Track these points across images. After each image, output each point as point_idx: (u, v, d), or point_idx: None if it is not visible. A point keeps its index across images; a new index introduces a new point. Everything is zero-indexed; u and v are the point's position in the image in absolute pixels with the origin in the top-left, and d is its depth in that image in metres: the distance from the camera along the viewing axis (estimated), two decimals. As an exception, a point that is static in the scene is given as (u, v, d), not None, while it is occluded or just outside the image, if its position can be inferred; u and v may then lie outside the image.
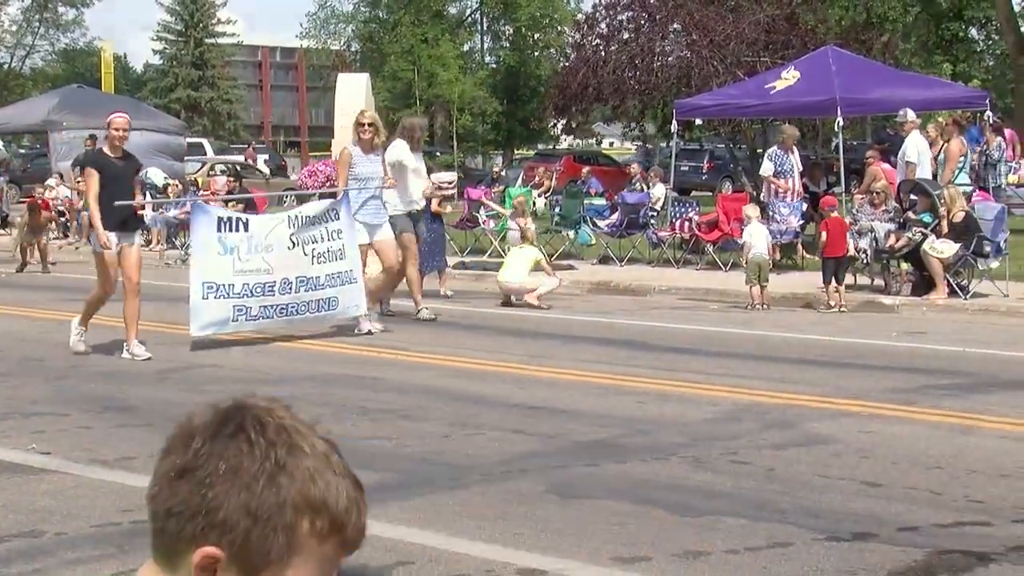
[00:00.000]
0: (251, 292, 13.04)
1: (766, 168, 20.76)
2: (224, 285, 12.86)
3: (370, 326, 14.13)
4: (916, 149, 18.84)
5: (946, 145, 19.80)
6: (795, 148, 21.21)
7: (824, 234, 16.66)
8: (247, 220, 13.50)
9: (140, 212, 13.66)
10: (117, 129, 12.61)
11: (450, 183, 16.64)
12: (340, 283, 13.73)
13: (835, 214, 17.06)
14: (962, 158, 20.13)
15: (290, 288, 13.35)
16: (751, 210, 17.99)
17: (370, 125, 14.58)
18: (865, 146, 30.05)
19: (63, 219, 27.67)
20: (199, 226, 13.27)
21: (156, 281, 20.52)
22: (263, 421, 1.73)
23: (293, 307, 13.46)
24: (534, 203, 18.54)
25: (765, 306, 16.63)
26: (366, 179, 14.44)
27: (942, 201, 16.61)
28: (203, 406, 1.75)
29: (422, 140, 15.74)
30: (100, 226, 12.26)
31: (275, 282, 13.22)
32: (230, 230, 13.05)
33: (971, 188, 19.81)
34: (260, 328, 13.43)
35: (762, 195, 22.02)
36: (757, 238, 17.02)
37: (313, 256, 13.55)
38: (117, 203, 12.27)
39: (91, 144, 28.71)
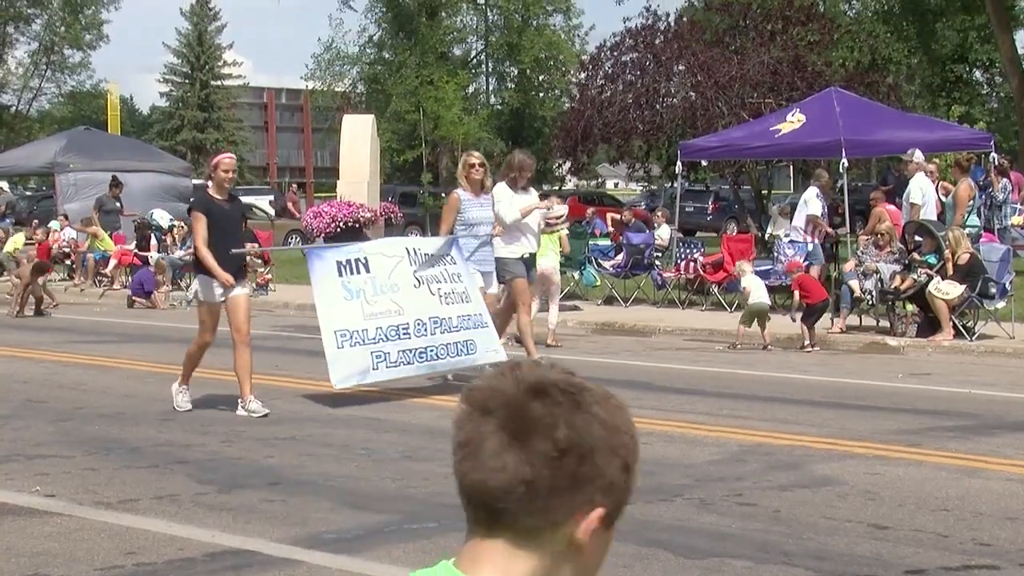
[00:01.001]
0: (386, 336, 12.10)
1: (815, 208, 20.60)
2: (358, 331, 11.92)
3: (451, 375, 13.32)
4: (920, 190, 18.85)
5: (954, 188, 19.83)
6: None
7: (797, 294, 16.86)
8: (366, 259, 12.33)
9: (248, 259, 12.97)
10: (226, 171, 11.87)
11: (559, 218, 15.92)
12: (473, 326, 12.83)
13: (798, 273, 17.43)
14: (971, 201, 20.16)
15: (425, 330, 12.39)
16: (745, 265, 17.99)
17: (480, 165, 13.64)
18: (870, 187, 30.08)
19: (69, 261, 27.68)
20: (318, 273, 12.20)
21: (162, 323, 20.55)
22: (579, 386, 1.86)
23: (432, 351, 12.48)
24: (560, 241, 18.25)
25: (768, 348, 16.67)
26: (475, 225, 13.44)
27: (947, 243, 16.61)
28: (491, 393, 1.80)
29: (530, 177, 14.74)
30: (218, 269, 11.38)
31: (408, 324, 12.27)
32: (351, 272, 12.12)
33: (978, 229, 19.83)
34: (402, 376, 12.45)
35: (767, 234, 22.03)
36: (756, 287, 17.11)
37: (441, 296, 12.64)
38: (233, 251, 11.59)
39: (116, 188, 28.89)
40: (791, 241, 20.84)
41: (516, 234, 14.17)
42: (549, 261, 17.33)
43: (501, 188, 14.25)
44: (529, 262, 14.41)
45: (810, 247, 20.31)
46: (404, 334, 12.21)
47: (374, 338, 11.99)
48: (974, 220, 20.01)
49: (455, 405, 1.83)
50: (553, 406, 1.77)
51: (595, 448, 1.77)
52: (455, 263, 12.91)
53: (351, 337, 11.89)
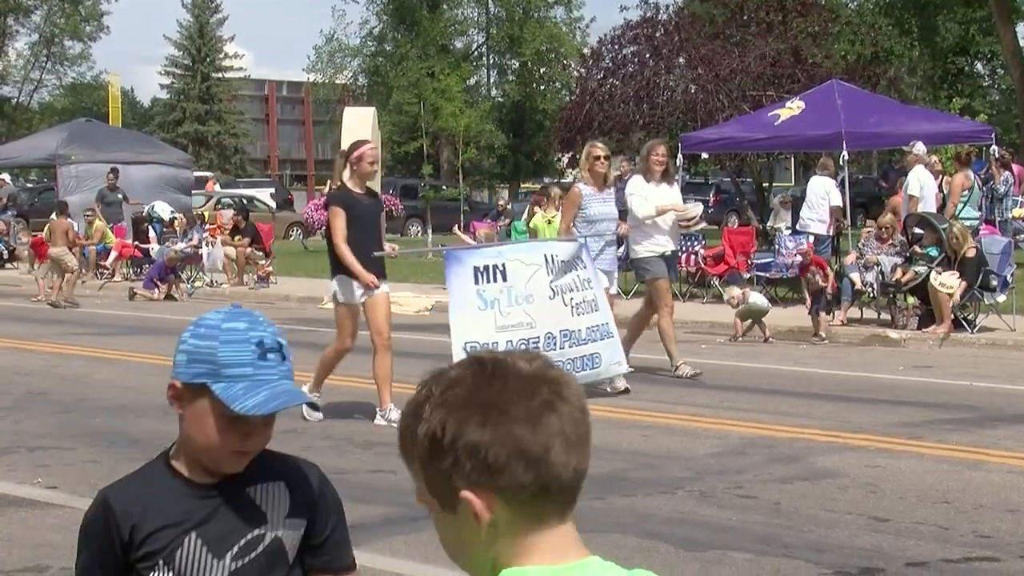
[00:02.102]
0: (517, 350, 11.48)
1: (838, 199, 20.54)
2: (489, 344, 11.10)
3: (625, 383, 12.58)
4: (918, 183, 18.85)
5: (950, 178, 19.83)
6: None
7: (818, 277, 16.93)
8: (503, 267, 11.56)
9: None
10: (372, 162, 10.99)
11: (692, 219, 15.05)
12: (599, 337, 12.09)
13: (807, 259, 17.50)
14: (967, 192, 20.14)
15: (554, 344, 11.63)
16: (734, 291, 17.88)
17: (606, 158, 12.75)
18: (871, 180, 30.12)
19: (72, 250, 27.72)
20: (455, 278, 11.55)
21: (163, 315, 20.57)
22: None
23: (563, 367, 11.89)
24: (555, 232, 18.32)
25: (768, 340, 16.71)
26: (597, 221, 12.56)
27: (953, 239, 16.53)
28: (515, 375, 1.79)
29: (668, 165, 13.63)
30: (361, 269, 10.61)
31: (539, 337, 11.53)
32: (488, 280, 11.42)
33: (978, 222, 19.82)
34: None
35: (767, 226, 22.01)
36: (754, 295, 17.22)
37: (572, 307, 11.89)
38: (375, 254, 10.93)
39: (112, 178, 28.89)
40: (793, 234, 20.83)
41: (653, 231, 13.23)
42: None
43: (636, 180, 13.46)
44: (670, 260, 13.59)
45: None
46: (533, 348, 11.11)
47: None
48: (971, 212, 19.99)
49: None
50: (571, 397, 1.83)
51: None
52: (585, 267, 12.19)
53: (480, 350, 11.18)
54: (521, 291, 11.55)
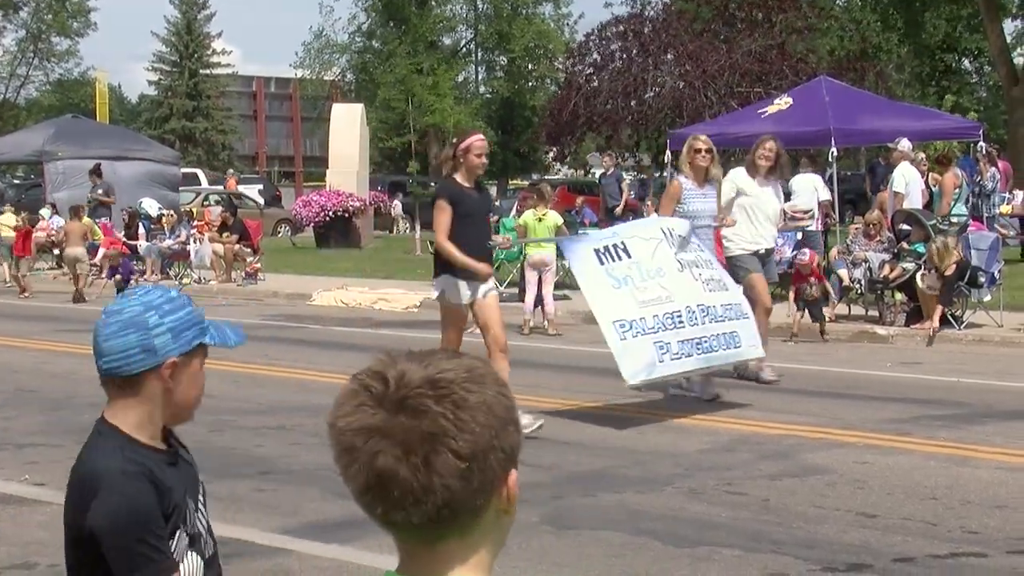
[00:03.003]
0: (663, 325, 10.76)
1: (826, 194, 20.57)
2: (636, 320, 10.62)
3: (774, 375, 12.18)
4: (904, 179, 18.87)
5: (937, 177, 19.86)
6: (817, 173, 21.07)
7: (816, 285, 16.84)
8: (624, 244, 11.01)
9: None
10: (479, 154, 10.18)
11: (806, 212, 14.31)
12: (735, 316, 11.43)
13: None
14: (957, 189, 20.18)
15: (696, 319, 11.00)
16: None
17: (708, 151, 12.00)
18: (859, 176, 30.14)
19: (56, 251, 27.61)
20: (578, 264, 11.14)
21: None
22: (442, 380, 1.77)
23: (707, 342, 11.07)
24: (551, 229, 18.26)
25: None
26: (696, 218, 11.84)
27: (934, 255, 16.40)
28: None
29: (773, 160, 12.95)
30: (470, 260, 9.93)
31: (680, 311, 10.91)
32: (612, 259, 10.86)
33: (965, 218, 19.84)
34: (685, 370, 11.12)
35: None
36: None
37: (703, 283, 11.27)
38: (489, 243, 10.52)
39: (96, 175, 28.81)
40: (781, 231, 20.82)
41: (745, 227, 12.63)
42: (547, 249, 17.46)
43: (738, 173, 13.02)
44: (764, 257, 12.94)
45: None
46: (679, 323, 10.88)
47: (653, 327, 10.70)
48: (961, 209, 20.03)
49: (335, 446, 1.77)
50: (436, 418, 1.71)
51: (493, 436, 1.75)
52: (702, 248, 11.61)
53: (631, 327, 10.60)
54: (650, 265, 10.94)
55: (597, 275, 10.78)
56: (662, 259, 11.02)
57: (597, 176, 30.56)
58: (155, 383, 2.88)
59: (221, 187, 45.35)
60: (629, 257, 10.89)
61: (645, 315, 10.64)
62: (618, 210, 27.13)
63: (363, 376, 1.79)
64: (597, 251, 10.88)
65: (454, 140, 10.57)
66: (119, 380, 2.89)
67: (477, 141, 10.19)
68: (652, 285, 10.82)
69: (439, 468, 1.70)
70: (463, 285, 10.03)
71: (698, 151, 11.95)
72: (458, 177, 10.19)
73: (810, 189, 20.64)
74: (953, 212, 19.50)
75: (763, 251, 12.81)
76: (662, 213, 12.09)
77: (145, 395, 2.89)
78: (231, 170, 54.73)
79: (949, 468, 9.04)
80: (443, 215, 10.03)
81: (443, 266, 10.16)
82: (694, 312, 10.95)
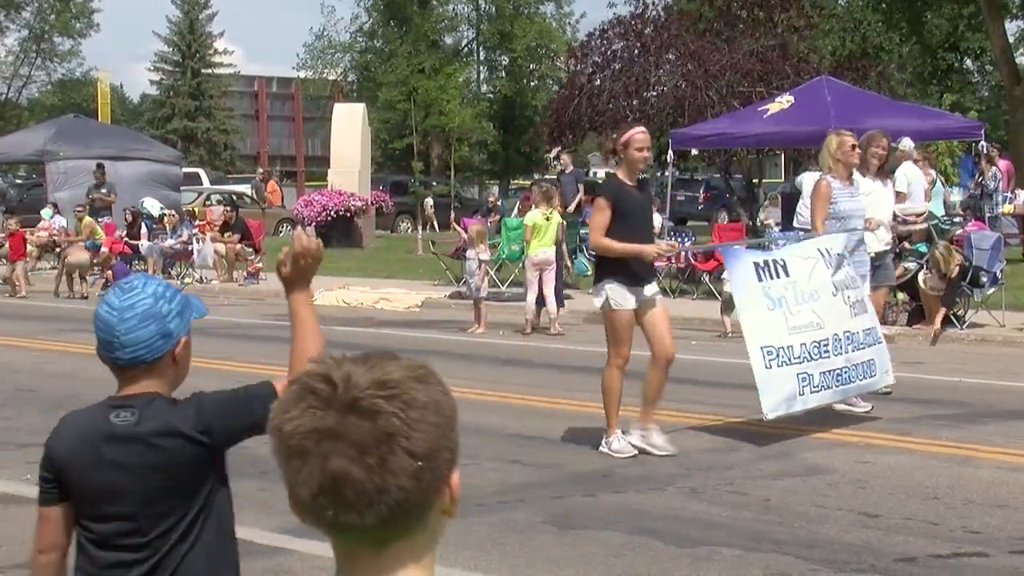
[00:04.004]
0: (809, 355, 10.24)
1: None
2: (784, 348, 10.10)
3: (867, 405, 11.32)
4: (906, 179, 18.86)
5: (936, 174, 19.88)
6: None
7: None
8: (783, 261, 10.49)
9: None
10: (640, 148, 9.51)
11: (920, 215, 13.53)
12: (873, 341, 10.94)
13: None
14: (930, 185, 20.04)
15: (840, 347, 10.52)
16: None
17: (855, 147, 11.37)
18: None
19: (58, 250, 27.59)
20: (738, 276, 10.54)
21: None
22: (392, 382, 1.77)
23: (846, 373, 10.55)
24: (554, 230, 18.16)
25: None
26: (848, 218, 11.22)
27: (940, 261, 16.35)
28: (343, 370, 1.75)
29: (885, 158, 12.41)
30: (632, 245, 9.38)
31: (828, 340, 10.41)
32: (771, 276, 10.29)
33: (959, 219, 19.82)
34: (821, 404, 10.50)
35: (757, 222, 22.00)
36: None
37: (850, 306, 10.75)
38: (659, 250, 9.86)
39: (100, 174, 28.81)
40: (783, 230, 20.79)
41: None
42: (551, 249, 17.47)
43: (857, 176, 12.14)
44: (877, 261, 12.17)
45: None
46: (824, 352, 10.37)
47: (799, 357, 10.17)
48: (937, 208, 19.86)
49: (272, 449, 1.77)
50: (388, 417, 1.72)
51: (443, 434, 1.77)
52: (851, 262, 11.04)
53: (777, 355, 10.06)
54: (806, 287, 10.44)
55: (754, 292, 10.27)
56: (818, 281, 10.55)
57: (556, 173, 30.54)
58: (168, 361, 3.26)
59: (245, 188, 45.45)
60: (787, 276, 10.40)
61: (793, 343, 10.18)
62: (571, 208, 27.14)
63: (307, 379, 1.76)
64: (757, 265, 10.35)
65: (613, 135, 9.95)
66: (140, 367, 3.23)
67: (638, 135, 9.57)
68: (805, 310, 10.36)
69: (394, 468, 1.70)
70: (627, 290, 9.47)
71: (853, 147, 11.28)
72: (619, 174, 9.71)
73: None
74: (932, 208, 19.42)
75: (873, 254, 12.08)
76: (816, 215, 11.33)
77: (162, 373, 3.26)
78: (260, 170, 54.60)
79: (951, 468, 9.04)
80: (600, 214, 9.51)
81: (604, 271, 9.61)
82: (840, 340, 10.51)
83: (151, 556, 3.20)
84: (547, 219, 17.64)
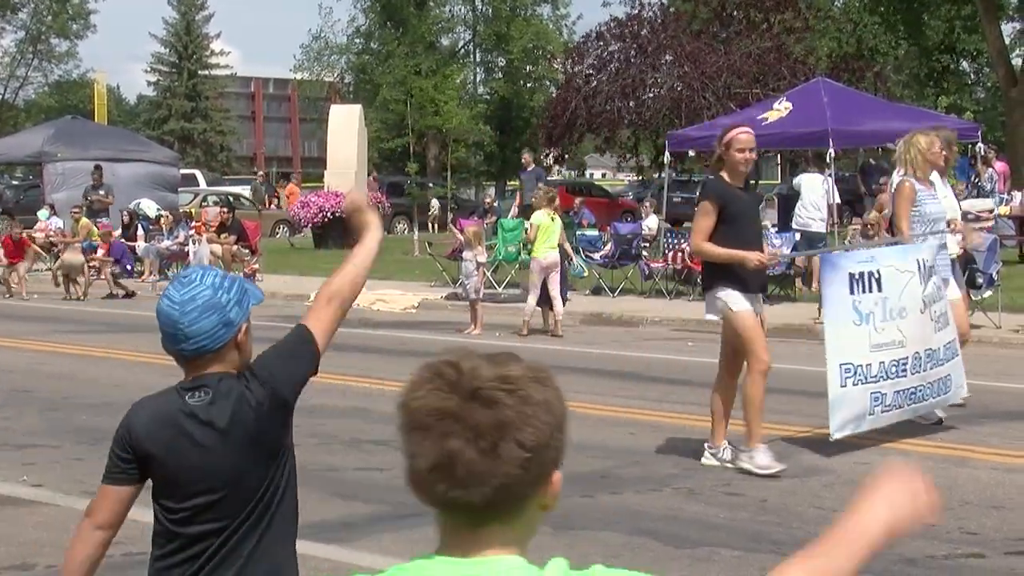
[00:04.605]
0: (886, 373, 9.88)
1: (836, 196, 20.51)
2: (862, 367, 9.72)
3: (942, 412, 10.92)
4: (903, 181, 18.87)
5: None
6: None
7: None
8: (879, 273, 10.00)
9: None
10: (741, 149, 9.14)
11: (990, 211, 12.95)
12: (952, 356, 10.55)
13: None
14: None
15: (920, 366, 10.16)
16: None
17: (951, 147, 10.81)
18: (855, 178, 30.13)
19: (55, 250, 27.58)
20: (830, 286, 9.99)
21: (149, 312, 20.54)
22: (513, 378, 1.96)
23: (920, 391, 10.21)
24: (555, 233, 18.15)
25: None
26: (934, 222, 10.80)
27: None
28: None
29: (952, 160, 11.90)
30: (735, 251, 8.92)
31: (907, 358, 10.04)
32: (863, 290, 9.86)
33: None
34: (889, 422, 10.10)
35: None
36: None
37: (935, 321, 10.36)
38: (775, 254, 9.47)
39: (98, 176, 28.79)
40: (781, 231, 20.83)
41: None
42: (556, 251, 17.47)
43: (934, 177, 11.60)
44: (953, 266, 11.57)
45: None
46: (901, 372, 10.00)
47: (875, 375, 9.82)
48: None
49: (398, 424, 1.95)
50: (505, 409, 1.90)
51: (552, 433, 1.94)
52: (937, 271, 10.60)
53: (855, 373, 9.70)
54: (895, 303, 10.01)
55: (843, 304, 9.84)
56: (908, 298, 10.12)
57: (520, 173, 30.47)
58: (232, 348, 3.39)
59: (243, 189, 45.50)
60: (879, 290, 9.95)
61: (872, 361, 9.80)
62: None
63: (437, 364, 1.97)
64: (852, 275, 9.89)
65: (719, 136, 9.52)
66: (206, 356, 3.36)
67: (740, 135, 9.19)
68: (890, 327, 9.96)
69: (504, 455, 1.90)
70: (741, 296, 9.01)
71: (942, 148, 10.89)
72: (724, 175, 9.30)
73: (820, 191, 20.56)
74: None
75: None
76: (900, 218, 10.79)
77: (226, 360, 3.38)
78: (261, 172, 54.62)
79: (947, 469, 9.04)
80: (704, 219, 9.10)
81: (713, 279, 9.18)
82: (919, 359, 10.16)
83: (236, 528, 3.34)
84: (552, 220, 17.65)
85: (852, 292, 9.81)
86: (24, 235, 24.87)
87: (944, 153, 11.03)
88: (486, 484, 1.90)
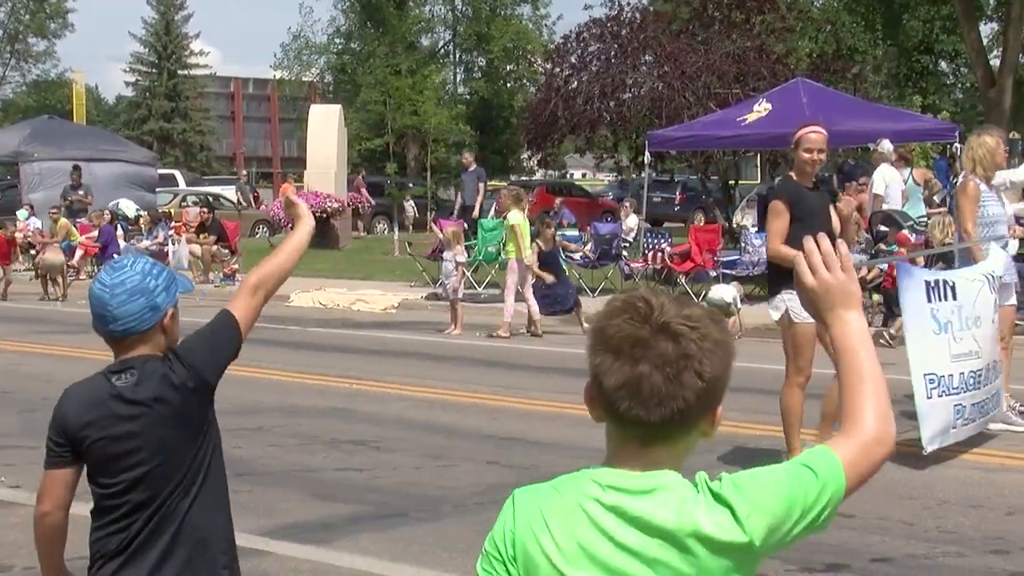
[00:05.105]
0: (966, 385, 9.59)
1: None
2: (944, 377, 9.45)
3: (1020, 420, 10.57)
4: (883, 181, 18.93)
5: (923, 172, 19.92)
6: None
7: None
8: (952, 283, 9.75)
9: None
10: (809, 149, 8.83)
11: None
12: (1000, 370, 10.26)
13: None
14: (914, 187, 20.10)
15: (989, 377, 9.88)
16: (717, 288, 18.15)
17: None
18: (836, 178, 30.15)
19: (33, 251, 27.48)
20: (908, 293, 9.64)
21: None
22: (696, 318, 2.27)
23: (987, 404, 9.93)
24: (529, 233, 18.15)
25: (738, 336, 16.81)
26: (995, 224, 10.56)
27: (935, 227, 16.29)
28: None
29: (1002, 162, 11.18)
30: (791, 253, 7.91)
31: (982, 370, 9.76)
32: (939, 298, 9.58)
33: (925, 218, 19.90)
34: (966, 436, 9.78)
35: (734, 223, 22.04)
36: (715, 288, 17.39)
37: (996, 330, 10.13)
38: (861, 260, 8.96)
39: (76, 176, 28.70)
40: (760, 231, 20.85)
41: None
42: (517, 255, 17.46)
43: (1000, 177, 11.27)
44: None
45: None
46: (976, 383, 9.71)
47: (957, 387, 9.52)
48: (920, 209, 19.96)
49: (590, 341, 2.28)
50: (689, 343, 2.21)
51: (724, 369, 2.26)
52: (996, 280, 10.31)
53: (939, 384, 9.44)
54: (970, 312, 9.76)
55: (922, 313, 9.56)
56: (982, 306, 9.90)
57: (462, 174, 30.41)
58: (159, 330, 3.56)
59: (223, 189, 45.39)
60: (955, 299, 9.71)
61: (954, 372, 9.54)
62: (475, 211, 27.14)
63: (631, 298, 2.27)
64: (928, 284, 9.64)
65: (794, 131, 9.13)
66: (132, 337, 3.54)
67: (810, 134, 8.89)
68: (967, 337, 9.71)
69: (685, 382, 2.20)
70: (790, 301, 8.75)
71: (999, 146, 10.58)
72: (794, 175, 9.02)
73: None
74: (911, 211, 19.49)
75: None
76: (966, 219, 10.53)
77: (152, 342, 3.56)
78: (244, 172, 54.44)
79: (926, 468, 9.07)
80: (777, 220, 8.79)
81: (781, 282, 8.84)
82: (989, 371, 9.93)
83: (166, 498, 3.52)
84: (525, 219, 17.67)
85: (929, 300, 9.56)
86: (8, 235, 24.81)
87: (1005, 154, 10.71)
88: (665, 406, 2.20)
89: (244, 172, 54.73)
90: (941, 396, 9.39)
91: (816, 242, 2.51)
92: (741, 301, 17.58)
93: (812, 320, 8.03)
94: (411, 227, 39.71)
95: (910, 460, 9.30)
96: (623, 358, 2.20)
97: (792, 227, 8.67)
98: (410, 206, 42.68)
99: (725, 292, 17.36)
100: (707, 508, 2.24)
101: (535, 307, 17.58)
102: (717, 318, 2.28)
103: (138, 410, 3.48)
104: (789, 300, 8.73)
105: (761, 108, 21.63)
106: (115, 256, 24.33)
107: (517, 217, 17.52)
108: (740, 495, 2.26)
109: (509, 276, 17.64)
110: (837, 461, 2.33)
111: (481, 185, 28.85)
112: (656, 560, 2.21)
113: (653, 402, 2.19)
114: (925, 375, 9.35)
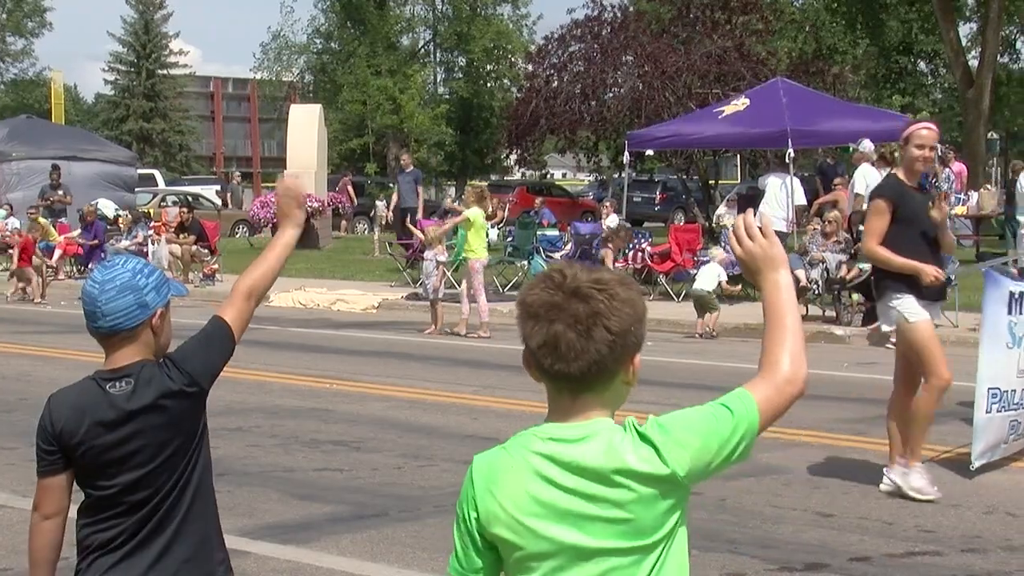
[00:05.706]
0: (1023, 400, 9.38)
1: (801, 197, 20.57)
2: (1008, 392, 9.20)
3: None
4: (864, 181, 18.97)
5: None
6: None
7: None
8: None
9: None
10: (920, 146, 8.43)
11: None
12: None
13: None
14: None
15: None
16: (714, 251, 18.35)
17: None
18: (817, 178, 30.22)
19: (10, 251, 27.39)
20: (991, 304, 9.34)
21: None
22: (604, 281, 2.61)
23: None
24: (487, 233, 18.28)
25: (714, 334, 16.86)
26: None
27: None
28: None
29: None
30: (911, 261, 8.27)
31: None
32: (1020, 311, 9.28)
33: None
34: (1016, 449, 9.57)
35: (714, 224, 22.07)
36: (703, 275, 17.38)
37: None
38: (950, 265, 8.58)
39: (56, 175, 28.60)
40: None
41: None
42: (480, 255, 17.41)
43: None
44: None
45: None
46: None
47: (1017, 403, 9.29)
48: None
49: (517, 312, 2.64)
50: (598, 303, 2.53)
51: (633, 323, 2.58)
52: None
53: (1000, 399, 9.16)
54: None
55: (1000, 325, 9.25)
56: None
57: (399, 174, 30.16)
58: (147, 331, 3.58)
59: (204, 189, 45.29)
60: None
61: (1017, 388, 9.28)
62: (419, 217, 27.04)
63: (549, 270, 2.62)
64: (1012, 295, 9.31)
65: (903, 128, 8.84)
66: (121, 334, 3.54)
67: (921, 130, 8.51)
68: None
69: (596, 337, 2.54)
70: (918, 303, 8.42)
71: None
72: (900, 174, 8.64)
73: (786, 191, 20.63)
74: None
75: None
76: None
77: (142, 341, 3.58)
78: (228, 172, 54.35)
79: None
80: (877, 219, 8.42)
81: (887, 286, 8.53)
82: None
83: (162, 499, 3.55)
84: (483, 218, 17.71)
85: (1010, 312, 9.26)
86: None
87: None
88: (581, 359, 2.54)
89: (237, 173, 54.60)
90: (1000, 411, 9.16)
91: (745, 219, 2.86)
92: (727, 282, 17.59)
93: (927, 316, 8.35)
94: (381, 227, 39.70)
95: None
96: (541, 321, 2.56)
97: (893, 228, 8.35)
98: (382, 205, 42.66)
99: (708, 280, 17.32)
100: (633, 446, 2.59)
101: (484, 308, 17.45)
102: (627, 281, 2.62)
103: (134, 418, 3.50)
104: (899, 302, 8.40)
105: (739, 103, 21.67)
106: (103, 250, 24.41)
107: (475, 212, 17.46)
108: (662, 433, 2.65)
109: (475, 277, 17.52)
110: (752, 399, 2.78)
111: (419, 188, 28.82)
112: (594, 496, 2.57)
113: (571, 356, 2.54)
114: (990, 388, 9.11)
